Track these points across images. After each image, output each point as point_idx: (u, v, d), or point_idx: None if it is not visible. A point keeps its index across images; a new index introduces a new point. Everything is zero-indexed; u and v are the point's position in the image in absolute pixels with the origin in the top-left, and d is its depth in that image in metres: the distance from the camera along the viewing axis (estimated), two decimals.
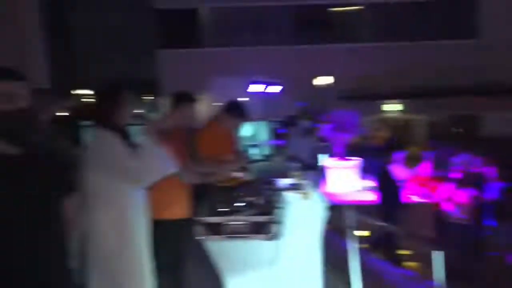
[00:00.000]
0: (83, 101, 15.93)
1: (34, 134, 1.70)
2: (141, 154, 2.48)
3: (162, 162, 2.55)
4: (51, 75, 15.21)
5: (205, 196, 2.81)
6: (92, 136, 2.60)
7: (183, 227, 3.01)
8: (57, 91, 14.77)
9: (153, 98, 14.38)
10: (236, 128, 4.14)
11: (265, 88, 6.45)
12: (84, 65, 16.14)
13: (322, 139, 6.62)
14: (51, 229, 1.84)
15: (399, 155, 7.31)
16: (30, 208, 1.75)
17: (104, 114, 2.57)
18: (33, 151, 1.75)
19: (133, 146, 2.56)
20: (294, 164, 4.27)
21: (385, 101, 15.52)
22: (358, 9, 16.32)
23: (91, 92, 15.81)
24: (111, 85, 2.72)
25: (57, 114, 3.90)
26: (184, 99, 3.22)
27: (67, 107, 4.07)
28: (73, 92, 16.08)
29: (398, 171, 6.53)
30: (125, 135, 2.61)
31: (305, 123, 6.08)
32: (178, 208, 3.07)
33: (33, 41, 14.88)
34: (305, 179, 3.43)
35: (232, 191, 2.87)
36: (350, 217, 3.51)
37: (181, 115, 3.15)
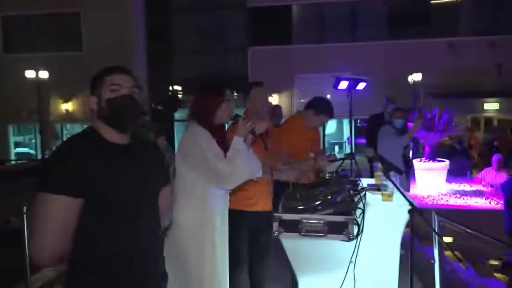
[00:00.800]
0: (178, 97, 16.69)
1: (134, 126, 1.78)
2: (232, 157, 2.52)
3: (251, 166, 2.58)
4: (148, 73, 16.16)
5: (284, 192, 2.83)
6: (186, 131, 2.65)
7: (262, 220, 3.06)
8: (154, 88, 15.65)
9: (242, 95, 14.64)
10: (320, 125, 4.13)
11: (351, 85, 6.32)
12: (179, 62, 16.84)
13: (412, 139, 6.33)
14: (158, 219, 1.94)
15: (494, 159, 6.80)
16: (148, 195, 1.84)
17: (203, 111, 2.63)
18: (136, 141, 1.85)
19: (226, 145, 2.61)
20: (378, 164, 4.16)
21: (482, 100, 14.48)
22: (457, 1, 15.39)
23: (186, 88, 16.55)
24: (214, 83, 2.77)
25: (153, 109, 4.12)
26: (250, 87, 3.32)
27: (162, 103, 4.28)
28: (168, 88, 16.90)
29: (491, 176, 6.07)
30: (221, 134, 2.67)
31: (396, 122, 5.86)
32: (260, 201, 3.15)
33: (134, 41, 15.92)
34: (388, 180, 3.31)
35: (311, 189, 2.85)
36: (435, 222, 3.36)
37: (253, 103, 3.25)
